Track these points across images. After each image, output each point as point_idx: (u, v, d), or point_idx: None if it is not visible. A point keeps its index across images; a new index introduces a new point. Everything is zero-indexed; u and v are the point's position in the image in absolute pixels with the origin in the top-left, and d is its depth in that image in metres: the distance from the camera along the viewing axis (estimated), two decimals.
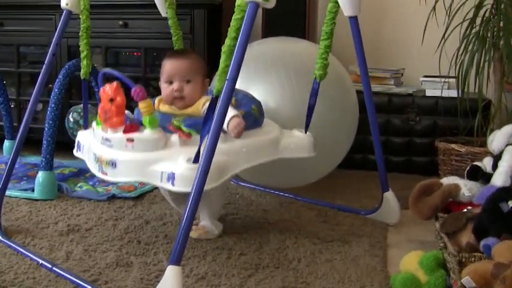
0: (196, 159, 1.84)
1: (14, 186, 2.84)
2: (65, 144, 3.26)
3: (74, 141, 2.48)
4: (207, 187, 1.72)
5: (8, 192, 2.45)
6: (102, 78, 2.17)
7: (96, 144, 2.12)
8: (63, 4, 2.38)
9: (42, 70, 2.36)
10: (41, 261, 1.98)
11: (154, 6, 2.70)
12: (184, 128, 2.01)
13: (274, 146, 2.19)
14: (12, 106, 3.66)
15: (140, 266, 2.00)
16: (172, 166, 1.88)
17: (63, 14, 2.38)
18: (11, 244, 2.14)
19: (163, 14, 2.69)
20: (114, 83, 2.02)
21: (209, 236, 2.27)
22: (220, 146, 1.74)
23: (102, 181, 2.98)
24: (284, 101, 2.56)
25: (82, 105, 2.86)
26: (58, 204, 2.65)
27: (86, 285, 1.82)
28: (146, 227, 2.39)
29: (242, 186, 3.00)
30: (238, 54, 1.72)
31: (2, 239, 2.19)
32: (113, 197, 2.76)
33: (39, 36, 3.64)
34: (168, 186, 1.88)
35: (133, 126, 2.01)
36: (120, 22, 3.44)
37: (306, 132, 2.35)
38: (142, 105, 1.97)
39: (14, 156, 2.32)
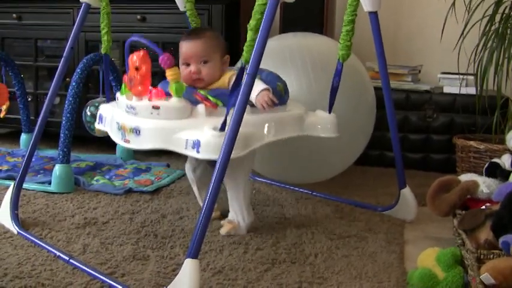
0: (222, 128, 1.84)
1: (31, 179, 2.85)
2: (81, 138, 3.28)
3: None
4: (232, 155, 1.72)
5: (25, 185, 2.46)
6: (129, 47, 2.17)
7: (120, 113, 2.12)
8: None
9: (60, 64, 2.36)
10: (58, 253, 2.00)
11: (172, 0, 2.70)
12: (210, 97, 2.00)
13: (299, 122, 2.18)
14: (29, 100, 3.67)
15: (157, 259, 2.00)
16: (197, 134, 1.88)
17: (82, 7, 2.37)
18: (28, 236, 2.15)
19: (181, 8, 2.69)
20: (141, 51, 2.03)
21: (238, 232, 2.26)
22: (247, 117, 1.73)
23: (119, 175, 2.99)
24: (302, 96, 2.55)
25: (99, 99, 2.88)
26: (75, 198, 2.66)
27: (102, 277, 1.82)
28: (163, 220, 2.39)
29: (259, 181, 3.00)
30: (258, 47, 1.73)
31: (20, 231, 2.20)
32: (129, 191, 2.76)
33: (57, 30, 3.64)
34: (193, 153, 1.88)
35: (159, 94, 2.02)
36: (138, 16, 3.44)
37: (330, 113, 2.34)
38: (169, 73, 1.96)
39: (31, 149, 2.34)
